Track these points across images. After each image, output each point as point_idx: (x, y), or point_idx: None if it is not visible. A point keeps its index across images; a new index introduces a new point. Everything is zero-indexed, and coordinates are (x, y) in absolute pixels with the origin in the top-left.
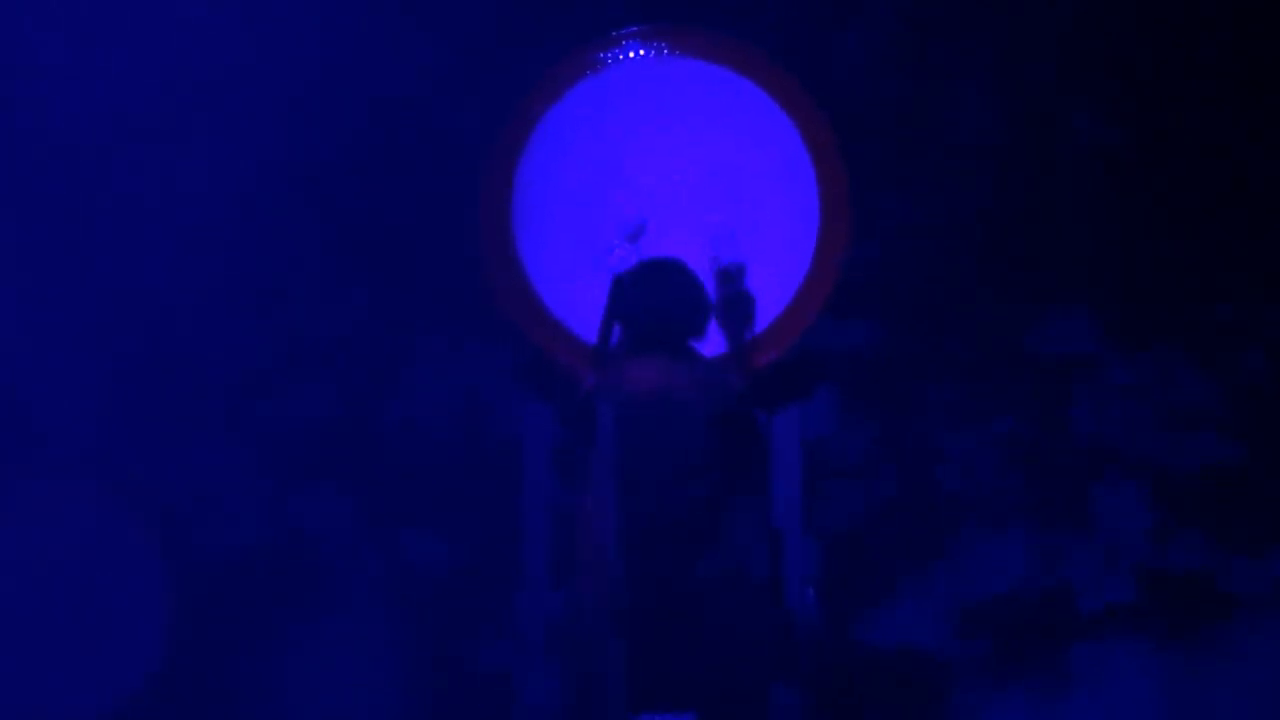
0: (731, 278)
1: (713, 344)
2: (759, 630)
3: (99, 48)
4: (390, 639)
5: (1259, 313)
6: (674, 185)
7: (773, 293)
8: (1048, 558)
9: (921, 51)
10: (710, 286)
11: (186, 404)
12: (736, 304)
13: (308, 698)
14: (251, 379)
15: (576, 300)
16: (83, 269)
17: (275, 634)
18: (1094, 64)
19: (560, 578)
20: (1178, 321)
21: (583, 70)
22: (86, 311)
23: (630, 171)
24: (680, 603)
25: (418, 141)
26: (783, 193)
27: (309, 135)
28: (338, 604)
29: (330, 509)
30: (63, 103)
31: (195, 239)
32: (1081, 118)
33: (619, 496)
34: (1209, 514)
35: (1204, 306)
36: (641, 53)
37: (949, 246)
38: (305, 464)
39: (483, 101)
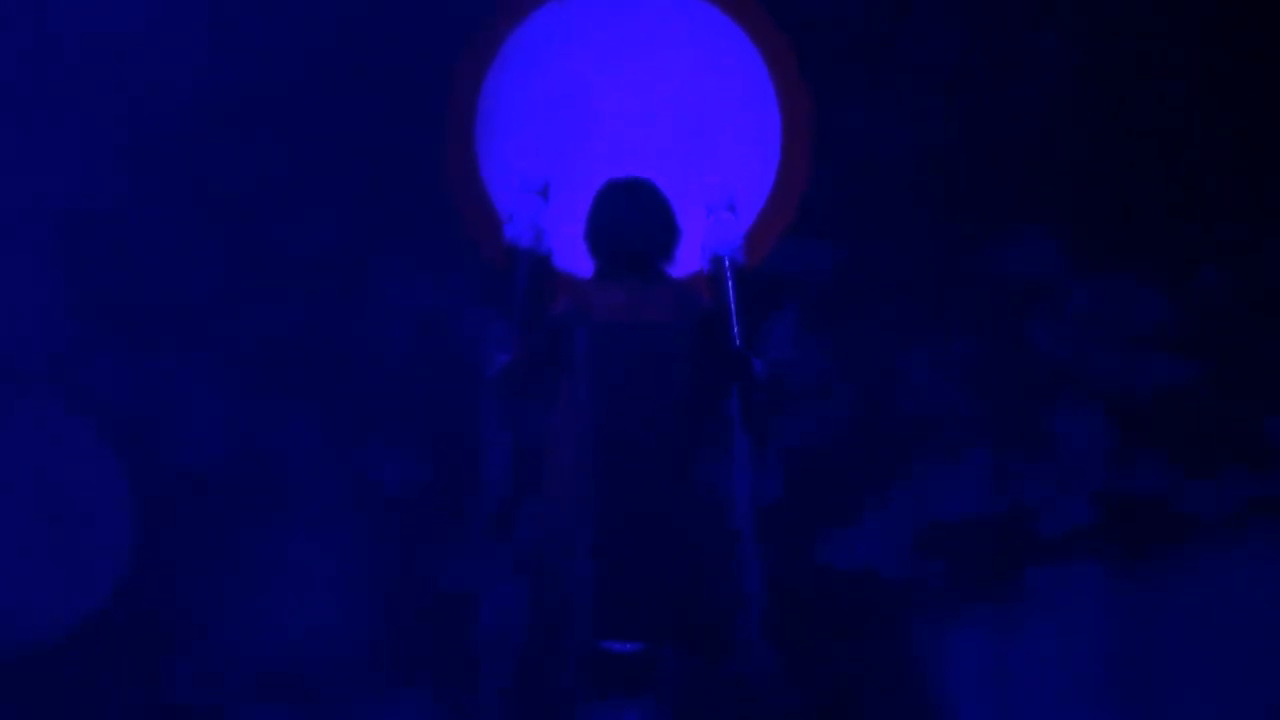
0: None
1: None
2: (725, 556)
3: None
4: (353, 557)
5: (1218, 234)
6: (637, 108)
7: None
8: (1005, 480)
9: None
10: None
11: (149, 320)
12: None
13: (270, 615)
14: (215, 296)
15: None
16: (45, 184)
17: (237, 552)
18: None
19: (521, 497)
20: (1137, 243)
21: None
22: (47, 228)
23: (593, 94)
24: (650, 528)
25: (384, 60)
26: (745, 117)
27: (274, 51)
28: (300, 521)
29: (293, 426)
30: (26, 17)
31: (159, 155)
32: (1045, 38)
33: (592, 420)
34: (1167, 436)
35: (1163, 228)
36: None
37: (909, 167)
38: (268, 381)
39: (449, 22)
